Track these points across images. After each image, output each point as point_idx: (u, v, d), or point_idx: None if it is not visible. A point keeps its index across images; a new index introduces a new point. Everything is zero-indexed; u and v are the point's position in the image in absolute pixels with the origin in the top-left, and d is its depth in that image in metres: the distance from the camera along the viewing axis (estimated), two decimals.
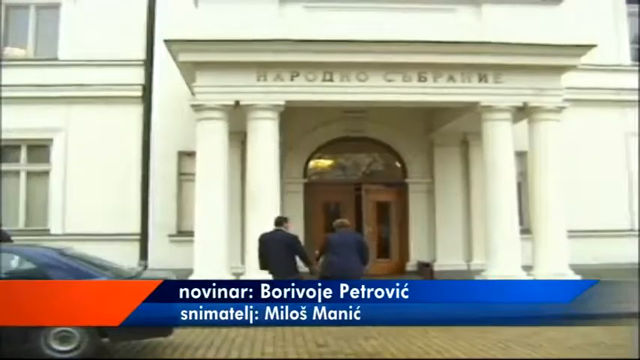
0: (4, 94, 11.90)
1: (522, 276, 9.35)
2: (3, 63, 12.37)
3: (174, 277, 6.37)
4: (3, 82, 11.92)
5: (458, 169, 12.45)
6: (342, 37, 9.11)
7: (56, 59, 12.61)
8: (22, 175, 12.41)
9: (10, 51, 13.01)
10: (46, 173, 12.40)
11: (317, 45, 9.15)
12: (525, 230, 10.37)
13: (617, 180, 12.81)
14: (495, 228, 9.62)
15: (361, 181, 12.96)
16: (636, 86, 12.69)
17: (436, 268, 12.13)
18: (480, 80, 9.74)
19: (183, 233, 11.68)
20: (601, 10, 13.11)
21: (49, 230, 12.12)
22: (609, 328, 6.99)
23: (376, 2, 10.04)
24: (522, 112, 9.93)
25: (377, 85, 9.53)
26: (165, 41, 9.42)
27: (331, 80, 9.47)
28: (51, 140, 12.39)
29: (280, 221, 7.78)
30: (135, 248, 12.07)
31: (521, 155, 10.87)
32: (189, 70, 9.64)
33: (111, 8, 12.37)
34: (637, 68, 13.01)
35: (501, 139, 9.79)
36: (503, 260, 9.44)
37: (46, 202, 12.29)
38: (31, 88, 12.14)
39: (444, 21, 9.67)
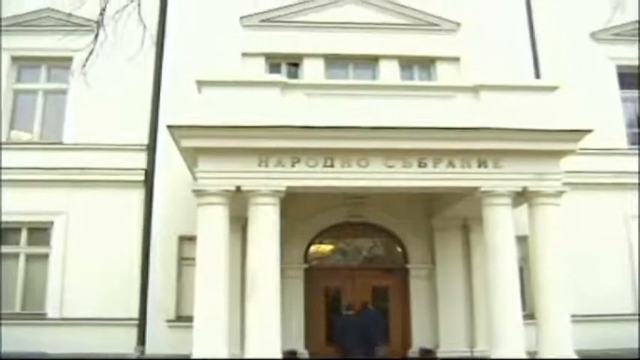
0: (8, 177, 12.03)
1: None
2: (9, 146, 12.57)
3: None
4: (8, 165, 12.09)
5: (459, 253, 12.35)
6: (342, 123, 9.20)
7: (61, 143, 12.81)
8: (22, 258, 12.34)
9: (17, 134, 13.22)
10: (46, 256, 12.31)
11: (318, 132, 9.22)
12: (529, 315, 10.17)
13: (618, 263, 12.73)
14: (498, 313, 9.42)
15: (362, 265, 12.88)
16: (634, 169, 12.85)
17: (439, 354, 11.86)
18: (480, 165, 9.75)
19: (183, 318, 11.46)
20: (596, 96, 13.39)
21: (46, 314, 11.94)
22: None
23: (376, 90, 10.27)
24: (522, 196, 9.89)
25: (377, 171, 9.54)
26: (169, 127, 9.52)
27: (332, 166, 9.49)
28: (51, 223, 12.38)
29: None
30: (133, 333, 11.87)
31: (522, 239, 10.81)
32: (192, 156, 9.70)
33: (116, 94, 12.67)
34: (635, 151, 13.20)
35: (502, 223, 9.71)
36: (507, 346, 9.20)
37: (44, 286, 12.13)
38: (35, 171, 12.24)
39: (443, 107, 9.76)
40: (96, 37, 7.61)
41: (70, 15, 11.06)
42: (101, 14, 7.45)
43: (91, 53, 7.73)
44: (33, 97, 13.36)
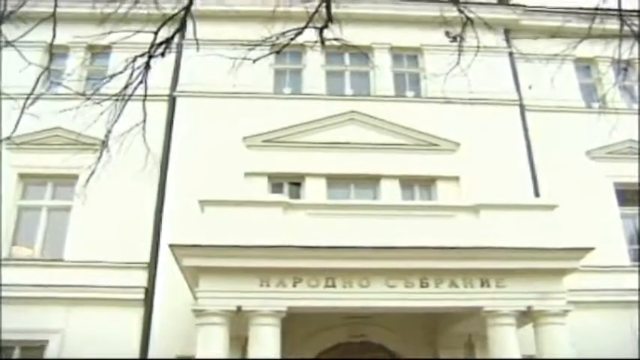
0: (6, 294, 11.89)
1: None
2: (9, 262, 12.52)
3: None
4: (7, 282, 11.97)
5: None
6: (344, 244, 9.26)
7: (61, 260, 12.76)
8: None
9: (18, 250, 13.22)
10: None
11: (320, 252, 9.26)
12: None
13: None
14: None
15: None
16: (637, 287, 12.72)
17: None
18: (482, 285, 9.72)
19: None
20: (596, 214, 13.51)
21: None
22: None
23: (377, 210, 10.39)
24: (527, 316, 9.79)
25: (379, 291, 9.50)
26: (170, 246, 9.58)
27: (333, 286, 9.47)
28: (47, 341, 12.05)
29: None
30: None
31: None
32: (193, 275, 9.70)
33: (119, 211, 12.78)
34: (636, 269, 13.13)
35: (507, 343, 9.54)
36: None
37: None
38: (33, 288, 12.06)
39: (443, 226, 9.87)
40: (99, 158, 7.79)
41: (79, 135, 11.42)
42: (106, 136, 7.66)
43: (92, 174, 7.91)
44: (36, 214, 13.49)
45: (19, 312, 11.83)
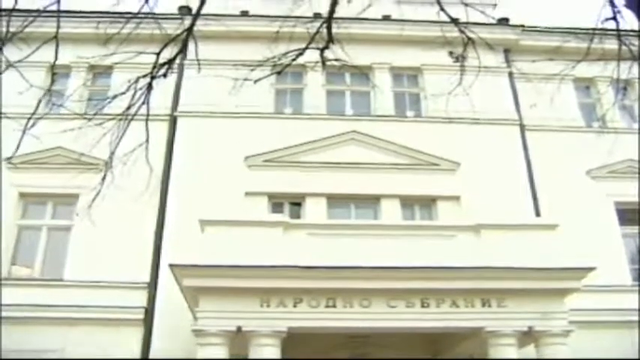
0: (4, 314, 11.81)
1: None
2: (8, 282, 12.45)
3: None
4: (6, 302, 11.91)
5: None
6: (345, 264, 9.25)
7: (61, 280, 12.71)
8: None
9: (17, 270, 13.17)
10: None
11: (320, 272, 9.26)
12: None
13: None
14: None
15: None
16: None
17: None
18: (483, 305, 9.70)
19: None
20: (597, 233, 13.46)
21: None
22: None
23: (378, 230, 10.40)
24: (529, 336, 9.74)
25: (380, 312, 9.49)
26: (171, 266, 9.57)
27: (334, 306, 9.46)
28: None
29: None
30: None
31: None
32: (193, 295, 9.68)
33: (119, 231, 12.74)
34: (637, 288, 13.06)
35: None
36: None
37: None
38: (33, 308, 12.01)
39: (444, 247, 9.86)
40: (103, 179, 7.77)
41: (81, 154, 11.40)
42: (110, 158, 7.64)
43: (97, 194, 7.87)
44: (37, 233, 13.47)
45: (18, 332, 11.75)
